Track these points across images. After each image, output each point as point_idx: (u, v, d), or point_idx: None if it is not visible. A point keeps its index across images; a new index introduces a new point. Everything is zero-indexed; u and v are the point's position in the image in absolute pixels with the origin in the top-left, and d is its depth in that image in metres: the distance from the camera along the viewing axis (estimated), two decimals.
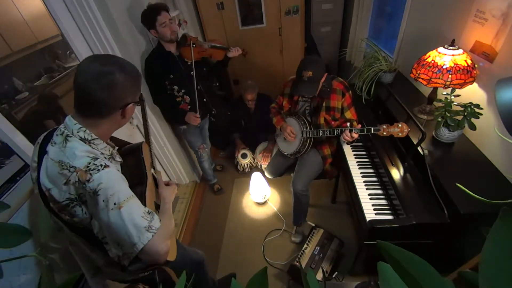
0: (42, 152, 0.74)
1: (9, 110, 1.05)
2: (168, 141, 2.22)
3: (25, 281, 0.89)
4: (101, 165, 0.70)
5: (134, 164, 0.94)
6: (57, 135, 0.74)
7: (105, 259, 0.88)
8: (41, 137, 0.79)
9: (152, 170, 1.03)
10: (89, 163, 0.69)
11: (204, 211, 2.41)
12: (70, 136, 0.72)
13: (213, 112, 2.08)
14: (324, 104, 1.57)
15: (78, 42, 1.47)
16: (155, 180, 1.02)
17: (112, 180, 0.70)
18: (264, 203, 2.35)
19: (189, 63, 1.81)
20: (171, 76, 1.78)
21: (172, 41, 1.73)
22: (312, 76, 1.42)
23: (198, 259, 1.34)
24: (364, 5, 2.52)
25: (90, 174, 0.68)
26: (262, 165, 2.56)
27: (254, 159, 2.66)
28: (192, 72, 1.81)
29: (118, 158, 0.85)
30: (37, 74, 1.23)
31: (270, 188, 2.34)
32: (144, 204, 0.81)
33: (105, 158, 0.76)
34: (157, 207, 0.95)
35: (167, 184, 1.03)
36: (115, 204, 0.68)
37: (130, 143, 1.04)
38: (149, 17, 1.62)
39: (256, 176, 2.23)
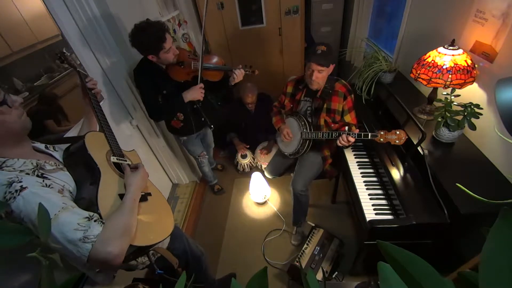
0: None
1: None
2: (169, 141, 2.22)
3: (25, 281, 0.89)
4: (16, 190, 0.65)
5: (85, 161, 0.88)
6: None
7: None
8: None
9: (114, 158, 0.96)
10: (5, 193, 0.64)
11: (204, 211, 2.40)
12: None
13: (211, 128, 1.90)
14: (325, 106, 1.57)
15: (78, 42, 1.47)
16: (120, 168, 0.96)
17: (30, 203, 0.65)
18: (264, 203, 2.35)
19: (179, 82, 1.59)
20: (164, 91, 1.57)
21: (173, 63, 1.53)
22: (326, 50, 1.43)
23: (197, 253, 1.34)
24: (364, 5, 2.52)
25: (8, 204, 0.64)
26: (262, 165, 2.56)
27: (254, 159, 2.66)
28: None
29: (51, 166, 0.79)
30: (37, 74, 1.23)
31: (270, 188, 2.34)
32: (97, 206, 0.78)
33: (28, 174, 0.71)
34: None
35: (134, 168, 0.97)
36: None
37: (81, 137, 0.93)
38: (153, 45, 1.37)
39: (256, 176, 2.23)
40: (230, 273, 1.80)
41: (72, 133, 1.34)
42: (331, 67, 1.48)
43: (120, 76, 1.71)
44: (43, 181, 0.72)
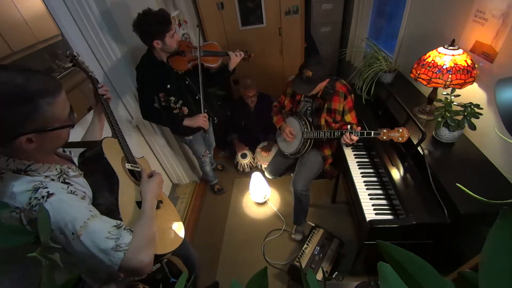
0: None
1: None
2: (168, 141, 2.22)
3: (25, 281, 0.89)
4: (43, 196, 0.63)
5: (102, 168, 0.86)
6: None
7: None
8: None
9: (128, 165, 0.96)
10: (30, 199, 0.62)
11: (204, 211, 2.41)
12: (3, 173, 0.65)
13: (214, 121, 1.98)
14: (325, 106, 1.57)
15: (78, 42, 1.47)
16: (134, 175, 0.96)
17: (59, 210, 0.63)
18: (264, 203, 2.35)
19: (180, 73, 1.65)
20: (168, 86, 1.61)
21: (174, 52, 1.59)
22: (311, 76, 1.41)
23: (194, 260, 1.34)
24: (364, 5, 2.52)
25: (35, 211, 0.62)
26: (262, 165, 2.56)
27: (254, 159, 2.66)
28: (187, 82, 1.70)
29: (73, 172, 0.77)
30: None
31: (270, 188, 2.34)
32: (118, 213, 0.77)
33: (53, 180, 0.69)
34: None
35: (150, 176, 0.96)
36: (73, 234, 0.63)
37: (97, 142, 0.91)
38: (159, 27, 1.41)
39: (256, 176, 2.23)
40: (214, 282, 1.78)
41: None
42: (324, 82, 1.48)
43: (120, 76, 1.71)
44: (68, 187, 0.70)
